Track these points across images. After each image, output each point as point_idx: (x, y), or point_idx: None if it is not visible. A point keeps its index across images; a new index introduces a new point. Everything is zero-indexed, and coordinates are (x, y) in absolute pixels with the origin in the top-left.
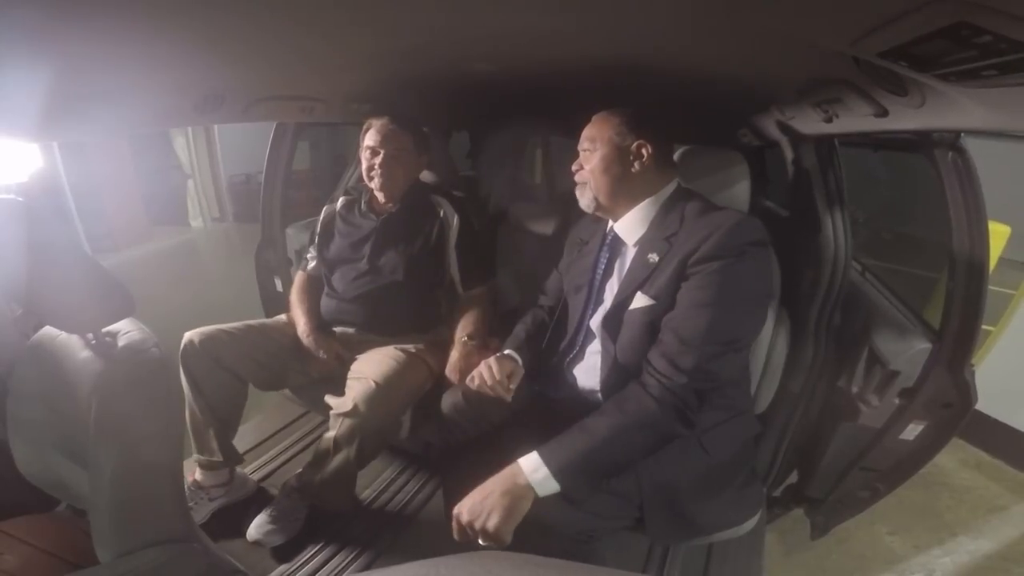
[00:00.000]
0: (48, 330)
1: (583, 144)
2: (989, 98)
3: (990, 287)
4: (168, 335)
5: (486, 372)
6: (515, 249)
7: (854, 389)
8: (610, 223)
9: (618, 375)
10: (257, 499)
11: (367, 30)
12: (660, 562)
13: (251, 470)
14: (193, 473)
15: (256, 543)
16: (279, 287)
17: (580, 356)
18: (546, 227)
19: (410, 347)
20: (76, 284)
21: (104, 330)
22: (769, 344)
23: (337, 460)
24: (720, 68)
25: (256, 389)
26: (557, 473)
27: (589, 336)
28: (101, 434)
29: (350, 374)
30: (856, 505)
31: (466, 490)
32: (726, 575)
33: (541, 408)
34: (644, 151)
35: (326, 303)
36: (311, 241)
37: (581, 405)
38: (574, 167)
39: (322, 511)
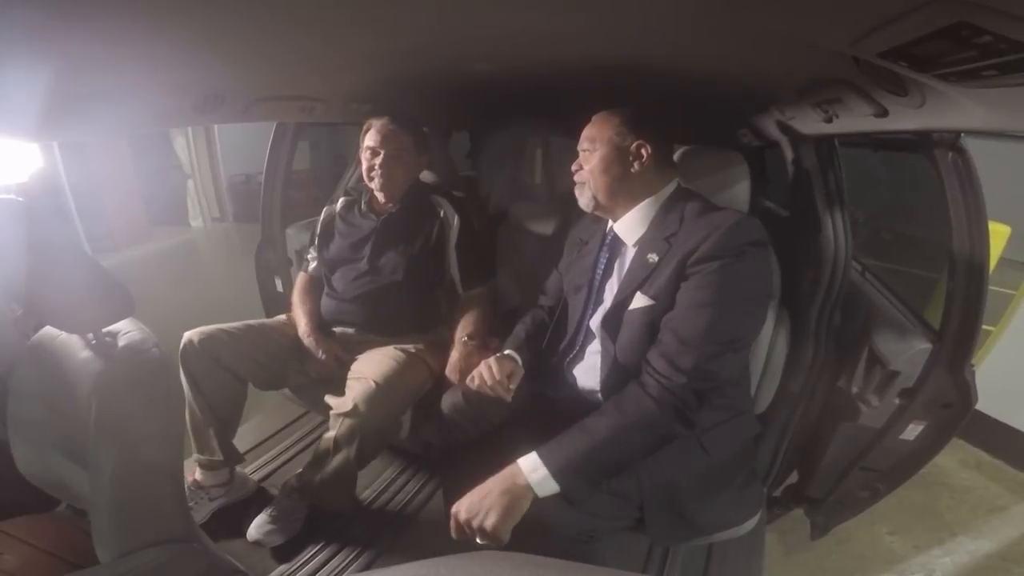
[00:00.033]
0: (48, 330)
1: (583, 144)
2: (989, 98)
3: (990, 287)
4: (168, 335)
5: (486, 372)
6: (515, 249)
7: (854, 389)
8: (610, 223)
9: (618, 375)
10: (257, 499)
11: (367, 30)
12: (660, 562)
13: (251, 470)
14: (193, 473)
15: (256, 543)
16: (279, 287)
17: (580, 356)
18: (546, 227)
19: (410, 347)
20: (76, 284)
21: (104, 330)
22: (769, 344)
23: (337, 460)
24: (720, 68)
25: (256, 389)
26: (556, 473)
27: (589, 336)
28: (101, 434)
29: (350, 374)
30: (856, 505)
31: (465, 490)
32: (726, 575)
33: (541, 408)
34: (644, 151)
35: (326, 303)
36: (311, 241)
37: (581, 405)
38: (574, 167)
39: (322, 511)
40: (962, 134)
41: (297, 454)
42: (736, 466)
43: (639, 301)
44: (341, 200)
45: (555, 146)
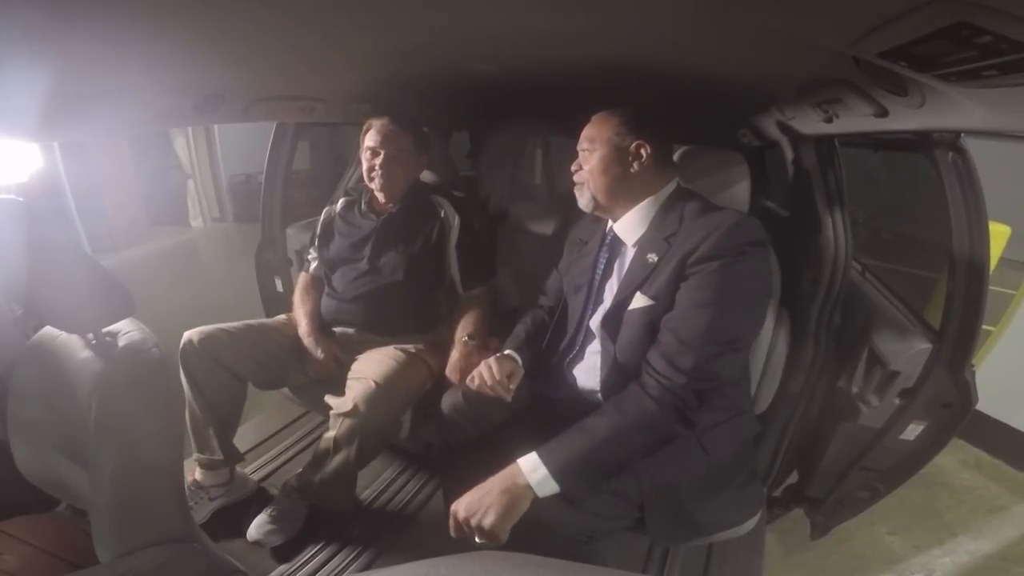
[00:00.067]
0: (48, 330)
1: (582, 144)
2: (989, 98)
3: (990, 287)
4: (168, 335)
5: (486, 372)
6: (515, 249)
7: (854, 389)
8: (609, 223)
9: (618, 375)
10: (257, 499)
11: (367, 30)
12: (660, 562)
13: (251, 470)
14: (193, 473)
15: (256, 543)
16: (279, 287)
17: (580, 356)
18: (546, 227)
19: (410, 347)
20: (76, 284)
21: (104, 330)
22: (769, 344)
23: (337, 460)
24: (720, 68)
25: (256, 389)
26: (556, 473)
27: (589, 336)
28: (101, 434)
29: (350, 374)
30: (856, 505)
31: (465, 490)
32: (726, 575)
33: (541, 408)
34: (643, 151)
35: (326, 303)
36: (312, 242)
37: (581, 405)
38: (573, 167)
39: (322, 511)
40: (962, 134)
41: (297, 454)
42: (736, 466)
43: (639, 301)
44: (341, 200)
45: (555, 146)
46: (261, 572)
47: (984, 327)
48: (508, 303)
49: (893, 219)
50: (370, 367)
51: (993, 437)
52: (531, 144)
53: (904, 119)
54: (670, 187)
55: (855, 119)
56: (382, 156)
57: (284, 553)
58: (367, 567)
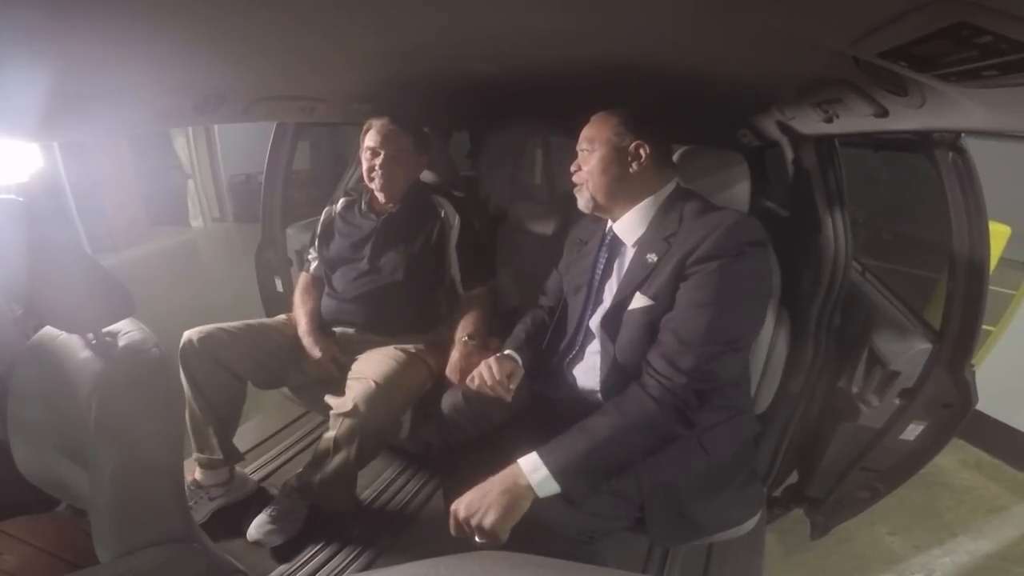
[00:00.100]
0: (48, 330)
1: (581, 144)
2: (989, 98)
3: (990, 287)
4: (168, 335)
5: (486, 372)
6: (515, 249)
7: (854, 389)
8: (609, 223)
9: (617, 375)
10: (257, 499)
11: (368, 30)
12: (660, 562)
13: (251, 470)
14: (193, 472)
15: (256, 543)
16: (279, 287)
17: (580, 356)
18: (546, 227)
19: (410, 347)
20: (76, 284)
21: (104, 330)
22: (769, 344)
23: (337, 460)
24: (720, 68)
25: (256, 389)
26: (557, 474)
27: (588, 336)
28: (101, 434)
29: (350, 374)
30: (856, 505)
31: (465, 490)
32: (726, 575)
33: (541, 408)
34: (642, 151)
35: (327, 303)
36: (312, 242)
37: (581, 405)
38: (573, 168)
39: (322, 511)
40: (962, 134)
41: (297, 454)
42: (736, 466)
43: (638, 301)
44: (341, 200)
45: (555, 146)
46: (261, 572)
47: (984, 327)
48: (508, 303)
49: (893, 219)
50: (370, 367)
51: (993, 437)
52: (531, 144)
53: (904, 119)
54: (669, 187)
55: (855, 119)
56: (382, 156)
57: (284, 553)
58: (367, 567)
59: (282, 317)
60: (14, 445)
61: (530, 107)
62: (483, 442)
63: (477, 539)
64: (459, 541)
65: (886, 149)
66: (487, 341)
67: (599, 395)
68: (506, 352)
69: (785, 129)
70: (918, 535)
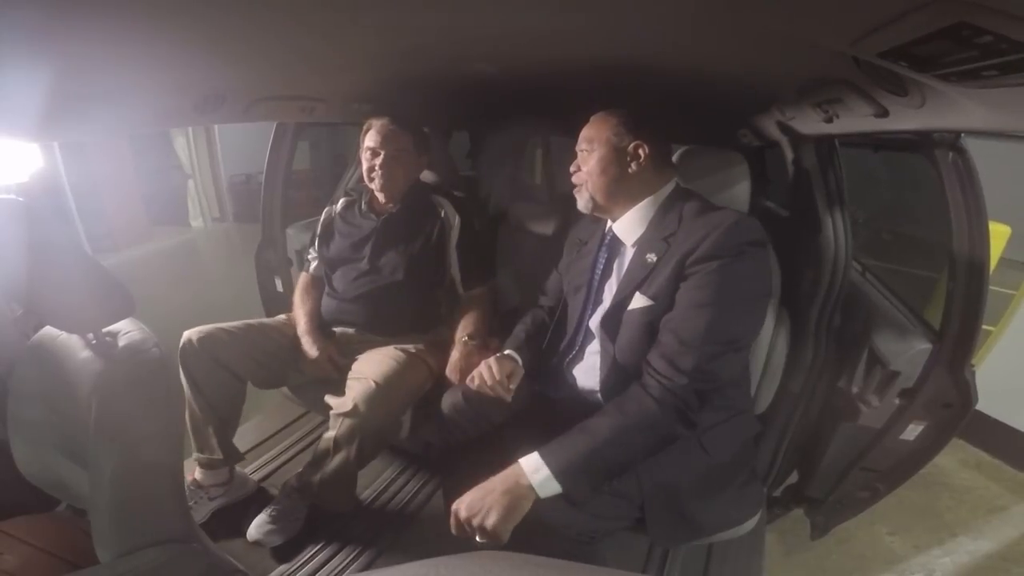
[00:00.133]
0: (48, 330)
1: (581, 145)
2: (989, 98)
3: (990, 287)
4: (168, 335)
5: (486, 372)
6: (515, 249)
7: (854, 389)
8: (609, 223)
9: (617, 375)
10: (257, 499)
11: (367, 30)
12: (660, 562)
13: (251, 470)
14: (193, 472)
15: (256, 543)
16: (279, 287)
17: (580, 356)
18: (546, 227)
19: (410, 347)
20: (76, 284)
21: (104, 330)
22: (769, 344)
23: (337, 460)
24: (720, 68)
25: (256, 389)
26: (558, 474)
27: (588, 336)
28: (101, 434)
29: (350, 374)
30: (856, 505)
31: (465, 490)
32: (726, 575)
33: (541, 408)
34: (641, 151)
35: (327, 303)
36: (312, 241)
37: (581, 405)
38: (572, 168)
39: (322, 511)
40: (962, 134)
41: (297, 454)
42: (736, 466)
43: (638, 301)
44: (341, 200)
45: (555, 146)
46: (261, 572)
47: (984, 327)
48: (508, 303)
49: (893, 219)
50: (370, 367)
51: (993, 437)
52: (531, 144)
53: (904, 119)
54: (669, 187)
55: (855, 119)
56: (382, 156)
57: (284, 553)
58: (367, 567)
59: (282, 317)
60: (14, 445)
61: (530, 107)
62: (483, 442)
63: (478, 539)
64: (459, 541)
65: (886, 149)
66: (487, 341)
67: (599, 395)
68: (506, 352)
69: (785, 129)
70: (918, 535)
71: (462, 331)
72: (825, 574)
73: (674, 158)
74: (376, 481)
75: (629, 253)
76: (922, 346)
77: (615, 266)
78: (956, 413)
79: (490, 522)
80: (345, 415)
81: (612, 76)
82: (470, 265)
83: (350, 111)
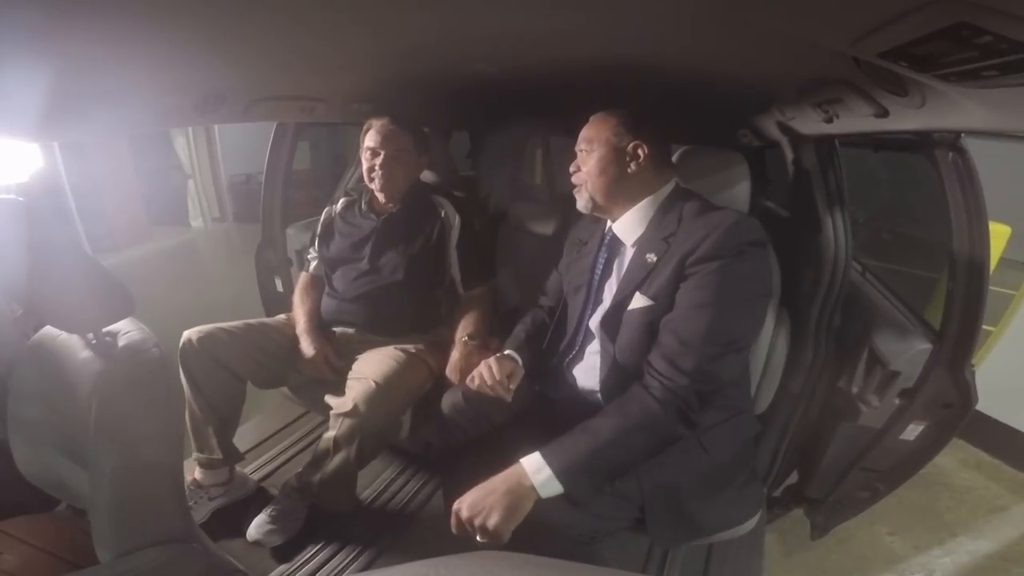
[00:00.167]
0: (48, 330)
1: (580, 145)
2: (989, 98)
3: (990, 287)
4: (168, 335)
5: (486, 372)
6: (515, 249)
7: (854, 389)
8: (608, 223)
9: (617, 375)
10: (257, 499)
11: (368, 30)
12: (660, 562)
13: (251, 470)
14: (193, 472)
15: (256, 543)
16: (279, 287)
17: (580, 356)
18: (546, 227)
19: (410, 347)
20: (76, 284)
21: (104, 330)
22: (769, 344)
23: (337, 460)
24: (720, 68)
25: (256, 389)
26: (560, 474)
27: (588, 336)
28: (101, 434)
29: (350, 374)
30: (856, 505)
31: (465, 490)
32: (726, 575)
33: (541, 408)
34: (640, 151)
35: (327, 303)
36: (312, 241)
37: (581, 405)
38: (572, 168)
39: (322, 511)
40: (962, 134)
41: (297, 454)
42: (736, 466)
43: (638, 301)
44: (341, 200)
45: (555, 146)
46: (261, 572)
47: (984, 327)
48: (508, 303)
49: (893, 219)
50: (370, 367)
51: (993, 437)
52: (531, 144)
53: (904, 119)
54: (668, 187)
55: (855, 119)
56: (382, 156)
57: (284, 553)
58: (367, 567)
59: (282, 317)
60: (14, 445)
61: (530, 107)
62: (483, 442)
63: (479, 539)
64: (459, 541)
65: (886, 149)
66: (487, 341)
67: (599, 395)
68: (506, 352)
69: (785, 129)
70: (918, 535)
71: (462, 331)
72: (825, 574)
73: (674, 158)
74: (376, 481)
75: (629, 253)
76: (922, 346)
77: (615, 266)
78: (956, 413)
79: (492, 522)
80: (345, 415)
81: (612, 76)
82: (470, 265)
83: (350, 111)
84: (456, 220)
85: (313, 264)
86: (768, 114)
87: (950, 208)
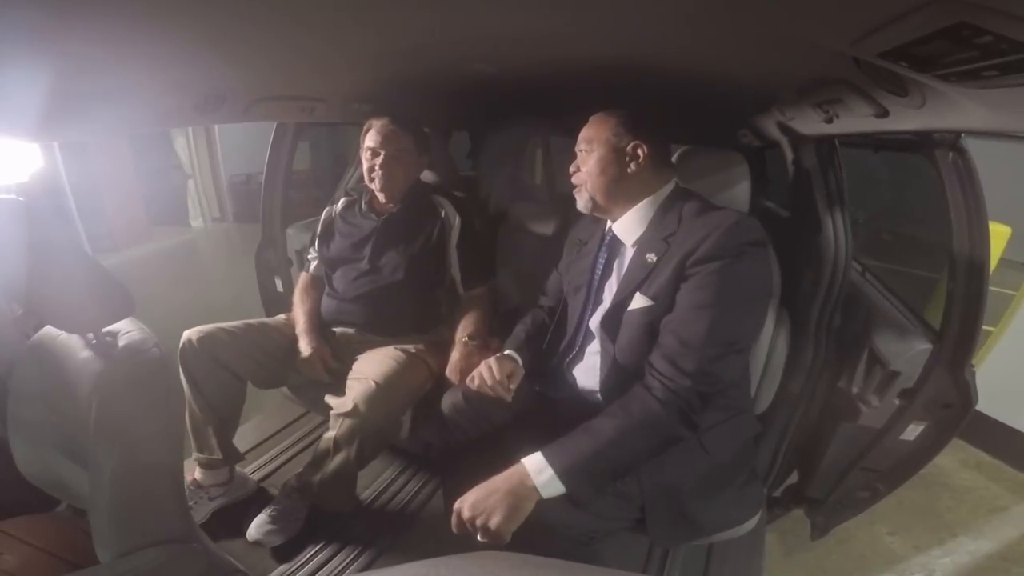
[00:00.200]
0: (48, 330)
1: (580, 145)
2: (990, 98)
3: (990, 287)
4: (168, 335)
5: (486, 372)
6: (515, 249)
7: (854, 390)
8: (608, 223)
9: (617, 375)
10: (257, 499)
11: (368, 30)
12: (660, 562)
13: (251, 470)
14: (193, 472)
15: (256, 543)
16: (279, 287)
17: (580, 356)
18: (546, 227)
19: (410, 347)
20: (76, 284)
21: (104, 330)
22: (769, 345)
23: (337, 460)
24: (720, 68)
25: (256, 389)
26: (562, 474)
27: (588, 336)
28: (101, 434)
29: (350, 374)
30: (856, 505)
31: (466, 490)
32: (726, 575)
33: (541, 409)
34: (640, 152)
35: (327, 303)
36: (312, 241)
37: (581, 405)
38: (571, 168)
39: (322, 511)
40: (962, 134)
41: (297, 454)
42: (736, 466)
43: (638, 301)
44: (342, 200)
45: (555, 146)
46: (261, 572)
47: (984, 327)
48: (508, 303)
49: (893, 219)
50: (370, 367)
51: (993, 437)
52: (531, 144)
53: (904, 119)
54: (668, 187)
55: (855, 119)
56: (382, 156)
57: (284, 553)
58: (367, 567)
59: (282, 317)
60: (14, 445)
61: (530, 107)
62: (483, 442)
63: (480, 539)
64: (459, 541)
65: (886, 149)
66: (487, 341)
67: (599, 395)
68: (506, 352)
69: (785, 129)
70: (918, 535)
71: (462, 331)
72: (825, 574)
73: (674, 158)
74: (376, 481)
75: (629, 253)
76: (922, 346)
77: (615, 266)
78: (956, 413)
79: (494, 522)
80: (345, 415)
81: (612, 76)
82: (470, 265)
83: (350, 111)
84: (456, 220)
85: (313, 264)
86: (768, 114)
87: (950, 208)
